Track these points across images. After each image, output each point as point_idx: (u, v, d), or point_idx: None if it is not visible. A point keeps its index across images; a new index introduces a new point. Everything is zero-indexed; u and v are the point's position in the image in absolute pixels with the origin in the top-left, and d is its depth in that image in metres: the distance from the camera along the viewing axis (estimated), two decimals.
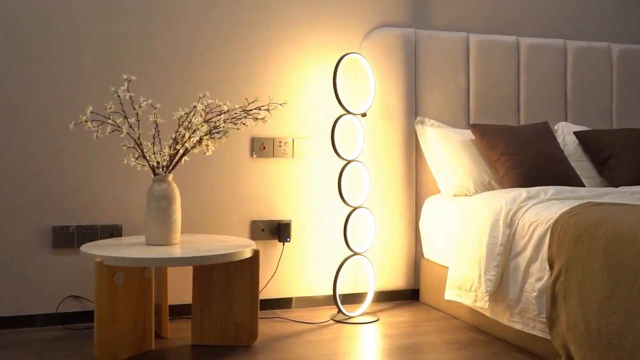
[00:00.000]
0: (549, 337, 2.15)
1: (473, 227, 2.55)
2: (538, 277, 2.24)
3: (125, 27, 2.80)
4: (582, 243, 2.03)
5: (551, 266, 2.15)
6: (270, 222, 3.00)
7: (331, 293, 2.90)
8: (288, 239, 3.00)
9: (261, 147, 2.98)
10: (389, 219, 3.11)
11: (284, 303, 3.02)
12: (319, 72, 3.05)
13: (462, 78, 3.27)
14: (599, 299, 1.92)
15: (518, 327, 2.33)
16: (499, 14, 3.44)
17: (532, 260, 2.28)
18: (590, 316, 1.94)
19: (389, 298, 3.14)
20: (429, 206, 3.07)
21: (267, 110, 2.51)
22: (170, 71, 2.86)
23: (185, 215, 2.65)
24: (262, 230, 2.98)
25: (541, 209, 2.35)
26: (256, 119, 2.51)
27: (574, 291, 2.02)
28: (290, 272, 3.03)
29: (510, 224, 2.41)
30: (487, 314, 2.50)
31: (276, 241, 3.00)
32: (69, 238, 2.72)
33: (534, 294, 2.24)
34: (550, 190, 2.54)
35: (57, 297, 2.70)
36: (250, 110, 2.51)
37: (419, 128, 3.14)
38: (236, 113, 2.48)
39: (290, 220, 3.02)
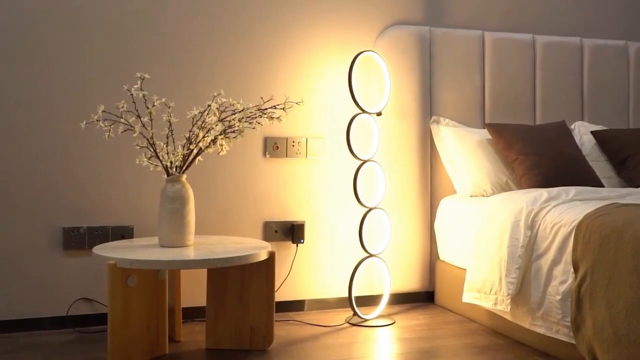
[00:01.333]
0: (573, 342, 2.10)
1: (492, 229, 2.50)
2: (562, 279, 2.18)
3: (137, 25, 2.75)
4: (609, 245, 1.98)
5: (576, 269, 2.10)
6: (284, 223, 2.95)
7: (344, 295, 2.86)
8: (302, 240, 2.95)
9: (274, 147, 2.93)
10: (404, 220, 3.06)
11: (296, 305, 2.97)
12: (332, 71, 3.00)
13: (478, 76, 3.22)
14: (628, 302, 1.87)
15: (541, 331, 2.28)
16: (515, 12, 3.39)
17: (555, 262, 2.23)
18: (618, 320, 1.89)
19: (403, 300, 3.09)
20: (445, 207, 3.02)
21: (283, 109, 2.46)
22: (183, 69, 2.81)
23: (197, 216, 2.60)
24: (275, 231, 2.93)
25: (564, 210, 2.29)
26: (271, 118, 2.46)
27: (600, 294, 1.97)
28: (304, 274, 2.98)
29: (532, 226, 2.35)
30: (508, 317, 2.45)
31: (289, 242, 2.95)
32: (79, 239, 2.67)
33: (558, 297, 2.19)
34: (572, 190, 2.48)
35: (67, 300, 2.66)
36: (266, 109, 2.46)
37: (434, 127, 3.09)
38: (251, 112, 2.43)
39: (304, 221, 2.97)
